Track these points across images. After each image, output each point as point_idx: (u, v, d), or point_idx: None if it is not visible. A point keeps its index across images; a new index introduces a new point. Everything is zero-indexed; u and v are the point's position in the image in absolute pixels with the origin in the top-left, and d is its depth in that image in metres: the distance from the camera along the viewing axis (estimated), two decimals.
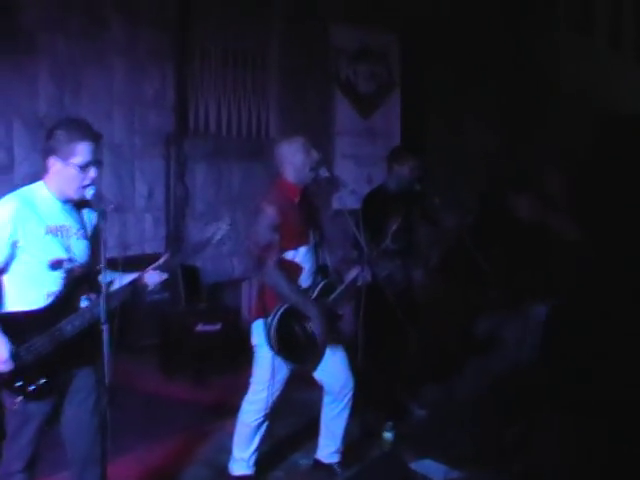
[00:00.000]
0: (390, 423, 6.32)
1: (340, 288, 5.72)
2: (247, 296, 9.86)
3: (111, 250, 6.38)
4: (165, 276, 4.47)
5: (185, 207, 9.15)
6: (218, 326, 8.36)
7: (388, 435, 6.23)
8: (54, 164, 4.11)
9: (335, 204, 9.93)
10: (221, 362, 8.11)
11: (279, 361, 5.50)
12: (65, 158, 4.09)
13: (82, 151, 4.09)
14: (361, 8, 10.57)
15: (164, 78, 8.83)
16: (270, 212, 5.40)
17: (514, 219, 11.53)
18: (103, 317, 3.95)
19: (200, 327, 8.24)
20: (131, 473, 5.80)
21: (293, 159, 5.53)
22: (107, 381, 4.00)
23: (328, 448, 5.97)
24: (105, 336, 3.94)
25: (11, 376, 4.02)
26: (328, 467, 5.97)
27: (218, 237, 4.63)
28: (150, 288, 4.44)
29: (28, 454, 4.25)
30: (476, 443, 6.08)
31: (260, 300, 5.58)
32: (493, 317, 9.37)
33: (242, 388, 7.73)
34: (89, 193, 4.09)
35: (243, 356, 8.21)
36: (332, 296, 5.69)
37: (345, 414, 5.86)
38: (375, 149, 10.51)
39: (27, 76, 7.53)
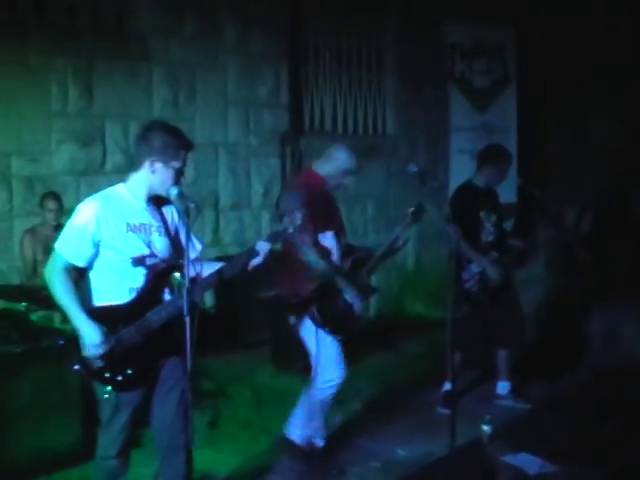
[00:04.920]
0: (488, 417, 6.31)
1: (370, 261, 5.86)
2: None
3: (228, 247, 6.60)
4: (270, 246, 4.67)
5: None
6: None
7: (486, 428, 6.21)
8: (154, 164, 4.33)
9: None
10: None
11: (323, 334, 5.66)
12: (167, 161, 4.32)
13: (183, 157, 4.38)
14: (476, 3, 10.51)
15: (278, 78, 8.99)
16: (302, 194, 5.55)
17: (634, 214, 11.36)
18: (185, 309, 4.11)
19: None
20: (233, 461, 6.01)
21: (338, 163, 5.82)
22: (189, 369, 4.16)
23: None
24: (187, 327, 4.12)
25: (100, 367, 4.24)
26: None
27: (290, 230, 4.82)
28: (260, 259, 4.62)
29: (121, 441, 4.47)
30: (574, 438, 6.00)
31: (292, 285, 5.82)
32: (609, 311, 9.24)
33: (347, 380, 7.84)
34: (173, 192, 4.29)
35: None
36: (365, 268, 5.83)
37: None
38: None
39: (142, 80, 7.79)
